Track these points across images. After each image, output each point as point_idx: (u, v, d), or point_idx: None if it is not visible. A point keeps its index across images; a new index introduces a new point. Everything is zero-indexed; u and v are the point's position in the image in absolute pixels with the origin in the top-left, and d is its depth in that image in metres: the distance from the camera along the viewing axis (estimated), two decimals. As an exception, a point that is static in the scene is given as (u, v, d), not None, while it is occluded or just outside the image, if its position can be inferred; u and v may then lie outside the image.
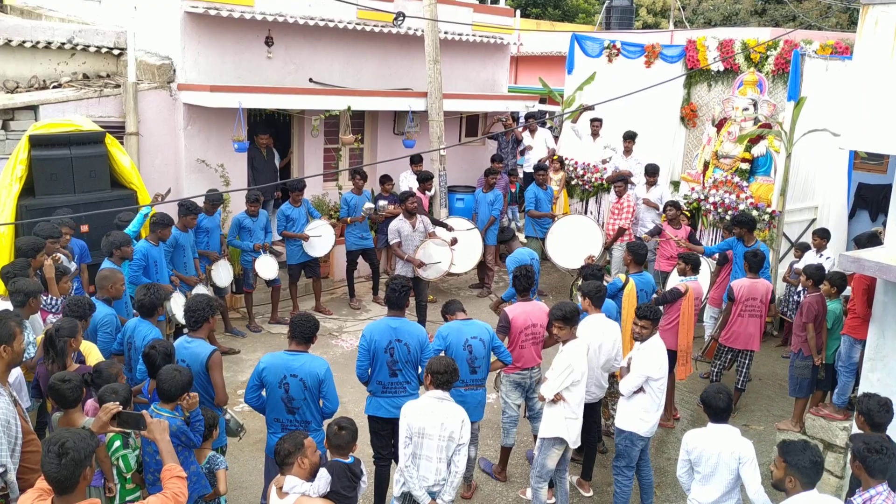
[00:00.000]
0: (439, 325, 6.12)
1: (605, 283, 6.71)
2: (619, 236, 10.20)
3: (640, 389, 5.68)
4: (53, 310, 5.89)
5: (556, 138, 13.14)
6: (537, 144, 12.77)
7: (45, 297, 5.82)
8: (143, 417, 3.87)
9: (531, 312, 6.27)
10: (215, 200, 8.69)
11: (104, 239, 6.78)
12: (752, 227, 8.47)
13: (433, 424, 4.70)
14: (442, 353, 5.80)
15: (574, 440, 5.62)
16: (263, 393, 5.10)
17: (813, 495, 4.04)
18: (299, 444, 4.02)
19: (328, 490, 3.99)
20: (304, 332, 5.08)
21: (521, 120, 14.32)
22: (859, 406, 4.69)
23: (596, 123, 11.75)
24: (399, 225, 9.36)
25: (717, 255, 8.98)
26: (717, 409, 4.80)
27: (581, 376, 5.53)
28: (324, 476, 4.01)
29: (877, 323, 5.92)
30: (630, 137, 11.17)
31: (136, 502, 4.27)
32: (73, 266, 6.99)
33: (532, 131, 12.78)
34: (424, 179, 10.69)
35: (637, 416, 5.73)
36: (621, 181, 10.23)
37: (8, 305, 5.33)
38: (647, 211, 10.39)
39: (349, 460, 4.19)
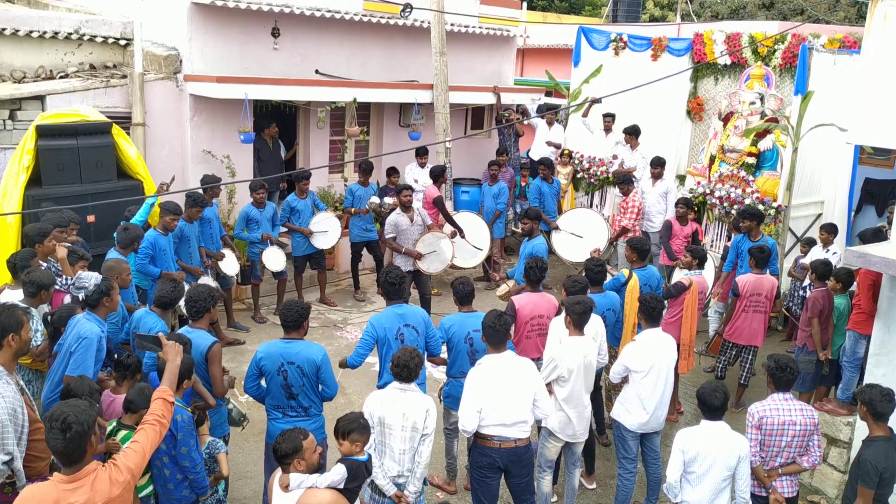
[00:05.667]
0: (443, 317, 6.13)
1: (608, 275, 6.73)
2: (622, 234, 10.13)
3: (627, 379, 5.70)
4: (66, 288, 5.90)
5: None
6: (548, 139, 12.65)
7: (59, 279, 5.85)
8: (159, 339, 4.26)
9: (538, 303, 6.28)
10: (210, 186, 8.52)
11: (122, 232, 6.78)
12: (760, 220, 8.45)
13: (394, 414, 4.63)
14: (444, 344, 5.87)
15: (561, 431, 5.53)
16: (263, 382, 5.11)
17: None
18: (297, 447, 3.93)
19: (342, 486, 3.98)
20: (289, 319, 5.05)
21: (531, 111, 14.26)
22: (861, 396, 4.69)
23: (609, 119, 11.57)
24: (396, 219, 9.31)
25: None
26: (713, 406, 4.73)
27: (567, 374, 5.38)
28: (340, 471, 3.98)
29: (882, 318, 5.92)
30: (632, 133, 11.08)
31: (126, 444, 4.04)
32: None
33: (549, 123, 12.70)
34: (438, 175, 10.35)
35: (623, 406, 5.74)
36: (624, 180, 10.08)
37: (15, 294, 5.36)
38: (654, 205, 10.34)
39: (364, 457, 4.17)
